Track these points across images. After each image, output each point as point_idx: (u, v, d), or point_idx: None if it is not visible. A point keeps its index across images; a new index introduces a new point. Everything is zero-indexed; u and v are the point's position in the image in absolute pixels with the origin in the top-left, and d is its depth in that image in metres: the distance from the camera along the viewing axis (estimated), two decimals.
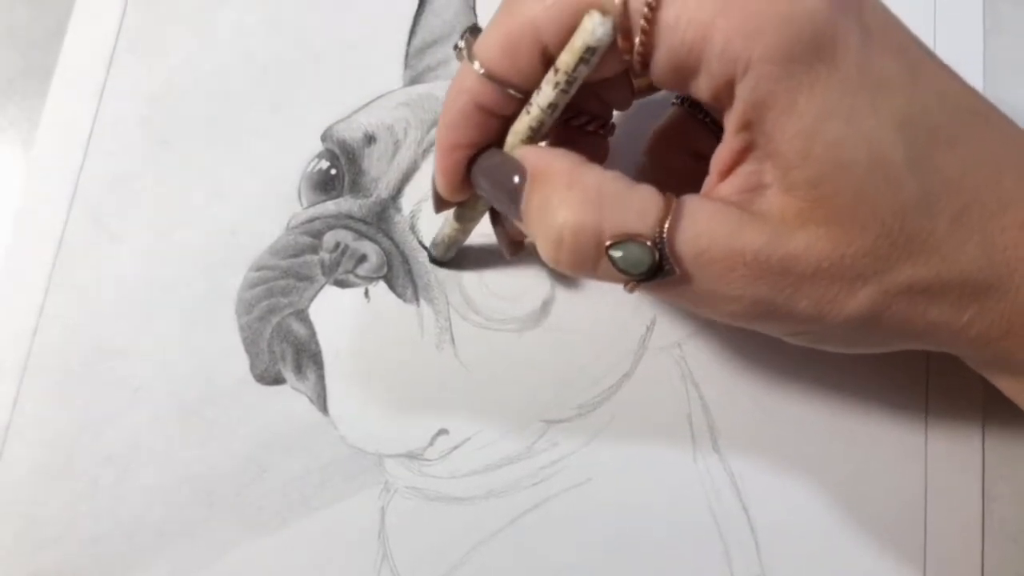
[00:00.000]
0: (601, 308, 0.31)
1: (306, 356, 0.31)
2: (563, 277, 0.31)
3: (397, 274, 0.31)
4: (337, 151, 0.33)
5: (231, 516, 0.30)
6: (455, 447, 0.30)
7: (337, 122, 0.33)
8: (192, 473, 0.31)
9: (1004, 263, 0.22)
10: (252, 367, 0.31)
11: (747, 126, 0.22)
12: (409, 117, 0.33)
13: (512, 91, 0.24)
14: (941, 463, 0.30)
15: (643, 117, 0.30)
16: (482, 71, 0.23)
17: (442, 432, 0.30)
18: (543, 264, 0.31)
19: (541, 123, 0.24)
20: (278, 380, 0.31)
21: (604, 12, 0.21)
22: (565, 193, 0.23)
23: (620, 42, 0.22)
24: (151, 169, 0.34)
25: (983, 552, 0.29)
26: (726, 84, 0.21)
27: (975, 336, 0.23)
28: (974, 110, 0.23)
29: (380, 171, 0.33)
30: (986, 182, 0.22)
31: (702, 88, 0.22)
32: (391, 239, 0.32)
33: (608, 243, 0.22)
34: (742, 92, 0.21)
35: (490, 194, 0.25)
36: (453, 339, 0.31)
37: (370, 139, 0.33)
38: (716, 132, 0.28)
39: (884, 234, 0.21)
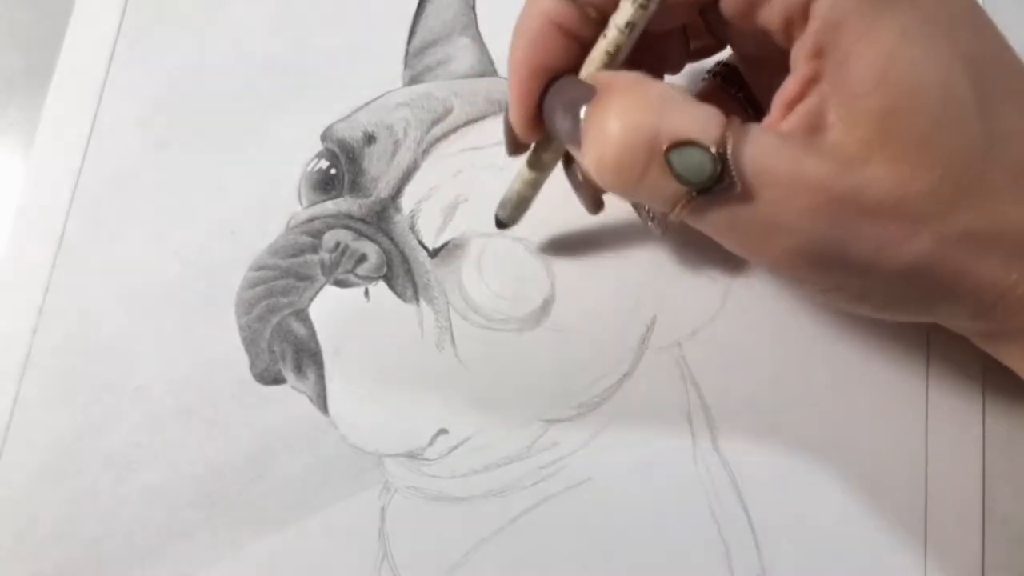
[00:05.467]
0: (601, 308, 0.31)
1: (306, 356, 0.31)
2: (563, 276, 0.31)
3: (397, 274, 0.31)
4: (337, 151, 0.33)
5: (231, 516, 0.30)
6: (455, 447, 0.30)
7: (337, 122, 0.33)
8: (192, 473, 0.31)
9: None
10: (252, 367, 0.31)
11: (819, 52, 0.21)
12: (409, 117, 0.33)
13: (590, 10, 0.23)
14: (941, 463, 0.30)
15: None
16: None
17: (442, 432, 0.30)
18: (544, 264, 0.31)
19: (618, 47, 0.23)
20: (278, 380, 0.31)
21: None
22: (623, 96, 0.22)
23: None
24: (151, 169, 0.34)
25: (983, 553, 0.29)
26: (802, 5, 0.21)
27: (1020, 296, 0.22)
28: None
29: (380, 171, 0.33)
30: None
31: (775, 12, 0.22)
32: (391, 239, 0.32)
33: (666, 146, 0.21)
34: (819, 10, 0.21)
35: (560, 125, 0.24)
36: (453, 339, 0.31)
37: (370, 139, 0.33)
38: (749, 108, 0.28)
39: (948, 176, 0.21)
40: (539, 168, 0.27)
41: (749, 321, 0.30)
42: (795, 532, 0.29)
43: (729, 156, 0.21)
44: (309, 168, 0.33)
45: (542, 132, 0.25)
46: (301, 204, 0.33)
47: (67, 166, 0.34)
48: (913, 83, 0.21)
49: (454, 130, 0.33)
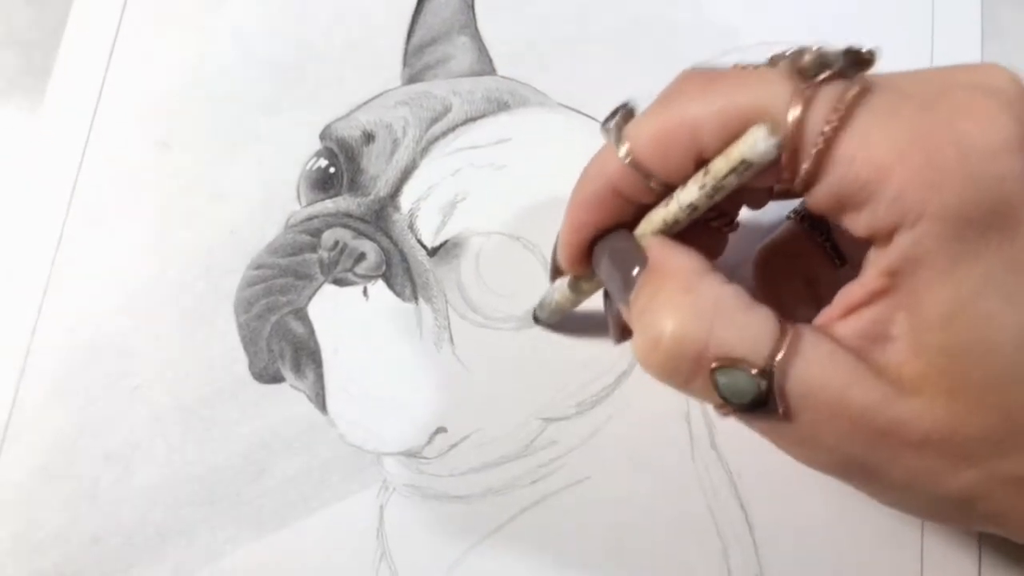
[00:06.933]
0: (600, 305, 0.31)
1: (304, 354, 0.31)
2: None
3: (395, 272, 0.31)
4: (336, 149, 0.33)
5: (231, 515, 0.30)
6: (453, 445, 0.30)
7: (336, 120, 0.33)
8: (192, 472, 0.31)
9: None
10: (251, 366, 0.31)
11: (894, 274, 0.20)
12: (408, 115, 0.33)
13: (654, 184, 0.23)
14: None
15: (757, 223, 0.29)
16: (628, 160, 0.22)
17: (440, 430, 0.30)
18: (542, 262, 0.31)
19: (677, 220, 0.23)
20: (277, 379, 0.31)
21: (773, 129, 0.20)
22: (678, 296, 0.22)
23: (785, 159, 0.21)
24: (150, 168, 0.34)
25: (980, 551, 0.29)
26: (887, 229, 0.20)
27: None
28: None
29: (379, 169, 0.33)
30: None
31: (859, 225, 0.21)
32: (390, 237, 0.32)
33: (714, 365, 0.21)
34: (902, 242, 0.20)
35: (606, 276, 0.24)
36: (452, 337, 0.31)
37: (369, 137, 0.33)
38: (834, 258, 0.27)
39: (1006, 421, 0.20)
40: (578, 293, 0.28)
41: None
42: (793, 530, 0.29)
43: (775, 377, 0.20)
44: (308, 167, 0.33)
45: (587, 270, 0.26)
46: (300, 203, 0.33)
47: (66, 166, 0.34)
48: (983, 332, 0.20)
49: (453, 129, 0.33)
